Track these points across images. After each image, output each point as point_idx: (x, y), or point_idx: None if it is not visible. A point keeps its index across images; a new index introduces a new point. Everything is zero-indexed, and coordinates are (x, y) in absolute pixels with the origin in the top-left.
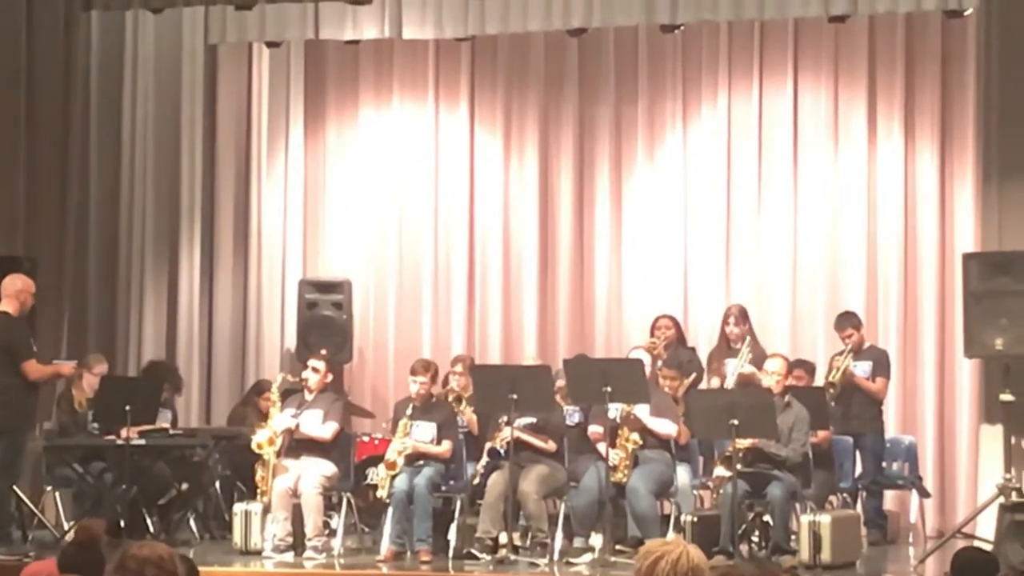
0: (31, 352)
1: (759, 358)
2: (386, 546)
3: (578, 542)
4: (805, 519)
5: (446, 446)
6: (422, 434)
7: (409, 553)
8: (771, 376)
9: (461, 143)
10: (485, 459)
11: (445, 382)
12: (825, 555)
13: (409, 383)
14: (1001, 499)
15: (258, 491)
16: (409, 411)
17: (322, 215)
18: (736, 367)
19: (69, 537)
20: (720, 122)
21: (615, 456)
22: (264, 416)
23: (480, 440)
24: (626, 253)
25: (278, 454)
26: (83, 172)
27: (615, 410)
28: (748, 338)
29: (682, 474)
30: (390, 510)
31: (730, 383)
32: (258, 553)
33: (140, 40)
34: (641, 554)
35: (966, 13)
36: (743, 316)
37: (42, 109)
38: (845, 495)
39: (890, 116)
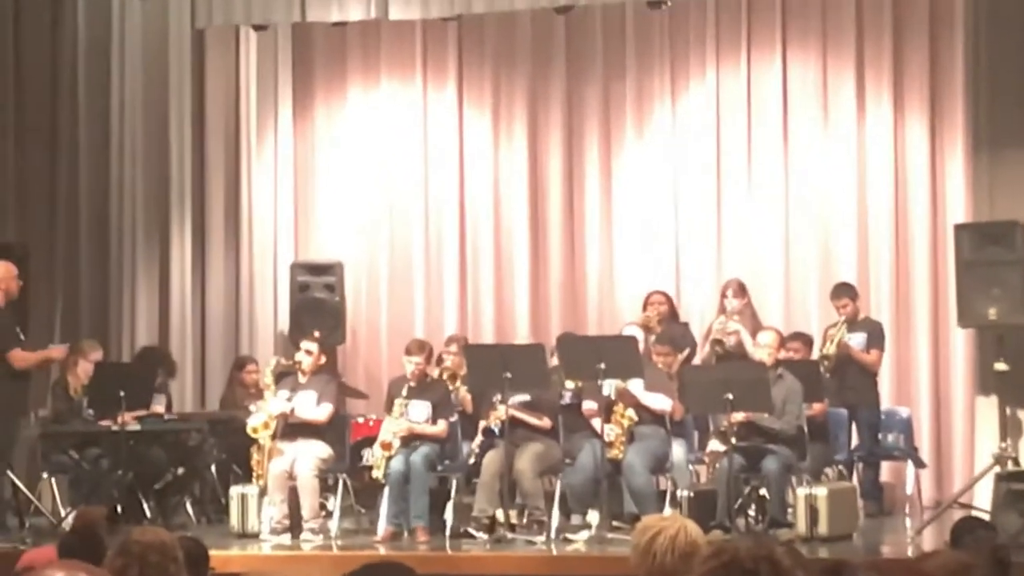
0: (15, 341)
1: (755, 332)
2: (383, 526)
3: (575, 519)
4: (801, 492)
5: (441, 426)
6: (417, 414)
7: (406, 533)
8: (763, 349)
9: (450, 123)
10: (480, 438)
11: (439, 361)
12: (822, 528)
13: (404, 363)
14: (997, 468)
15: (254, 474)
16: (404, 391)
17: (313, 197)
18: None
19: (66, 524)
20: (709, 97)
21: (610, 432)
22: (250, 389)
23: (474, 419)
24: (617, 230)
25: (273, 437)
26: (72, 158)
27: (609, 386)
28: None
29: (677, 449)
30: (386, 490)
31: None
32: (255, 536)
33: (127, 24)
34: (638, 530)
35: None
36: (741, 289)
37: (30, 95)
38: (841, 467)
39: (879, 87)
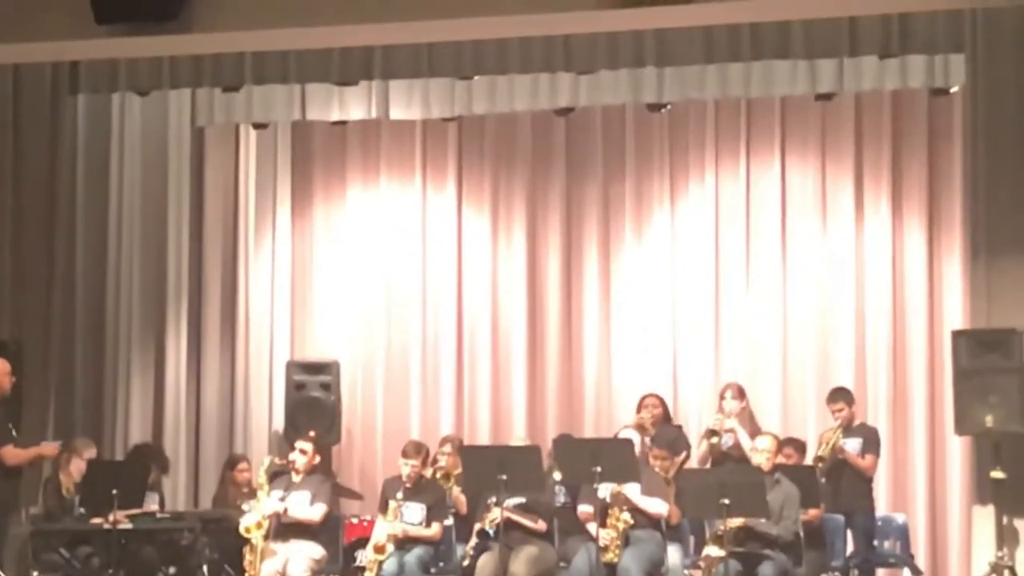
0: (8, 437)
1: (754, 435)
2: None
3: None
4: None
5: (435, 529)
6: (412, 516)
7: None
8: (761, 454)
9: (449, 223)
10: (474, 540)
11: (433, 461)
12: None
13: (400, 465)
14: None
15: (246, 575)
16: (400, 493)
17: (310, 296)
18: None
19: None
20: (708, 200)
21: (606, 536)
22: (243, 487)
23: (469, 520)
24: (615, 332)
25: (266, 537)
26: (70, 253)
27: (605, 490)
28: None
29: (673, 554)
30: None
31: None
32: None
33: (127, 122)
34: None
35: (952, 91)
36: (740, 393)
37: (29, 191)
38: (837, 574)
39: (878, 193)
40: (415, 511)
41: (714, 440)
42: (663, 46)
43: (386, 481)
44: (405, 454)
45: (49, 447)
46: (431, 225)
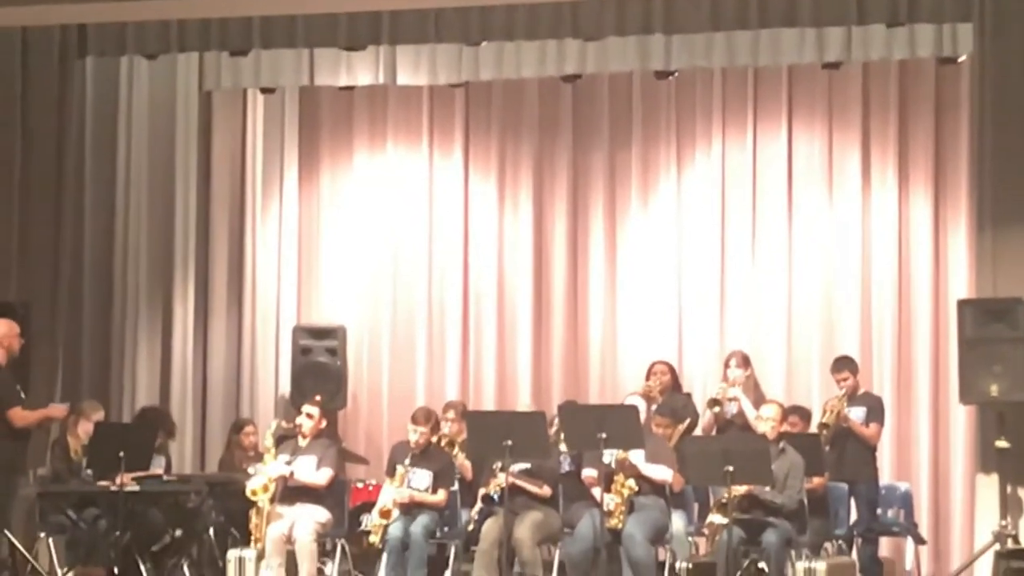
0: (16, 399)
1: (758, 404)
2: None
3: None
4: (801, 566)
5: (442, 495)
6: (419, 482)
7: None
8: (766, 422)
9: (455, 189)
10: (479, 505)
11: (438, 428)
12: None
13: (408, 431)
14: (997, 546)
15: (252, 538)
16: (407, 458)
17: (316, 261)
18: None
19: None
20: (714, 168)
21: (610, 502)
22: (248, 451)
23: (474, 486)
24: (620, 299)
25: (272, 500)
26: (77, 217)
27: (610, 456)
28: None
29: (677, 521)
30: (384, 556)
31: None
32: None
33: (135, 86)
34: None
35: (960, 60)
36: (745, 361)
37: (36, 155)
38: (840, 542)
39: (884, 162)
40: (422, 477)
41: (716, 409)
42: (671, 13)
43: (394, 447)
44: (414, 420)
45: (58, 409)
46: (438, 191)
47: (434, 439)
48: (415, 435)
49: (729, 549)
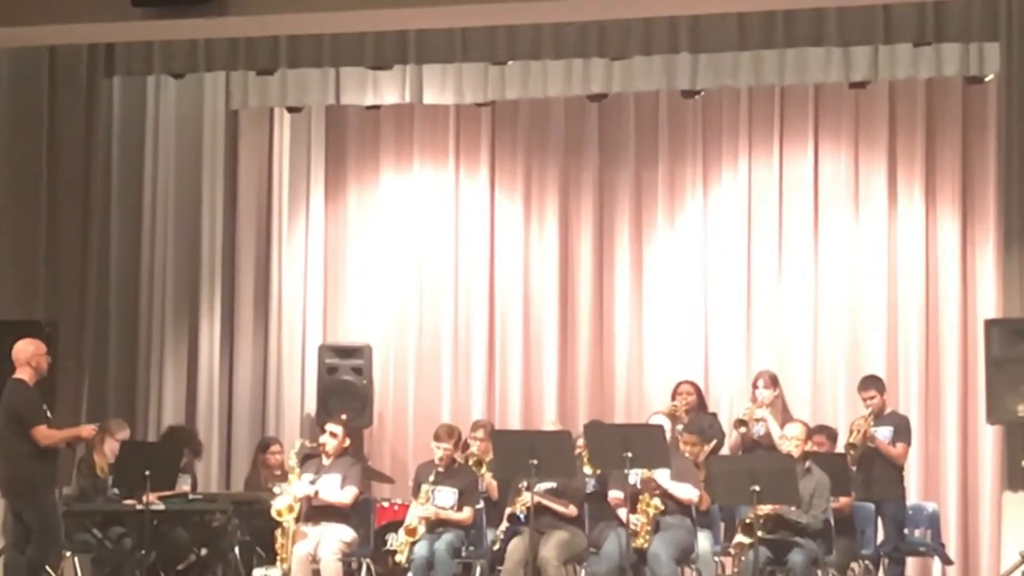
0: (41, 418)
1: (785, 424)
2: None
3: None
4: None
5: (467, 512)
6: (444, 500)
7: None
8: (791, 441)
9: (481, 208)
10: (505, 524)
11: (465, 447)
12: None
13: (432, 448)
14: None
15: (277, 557)
16: (432, 476)
17: (342, 280)
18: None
19: None
20: (740, 187)
21: (636, 521)
22: (274, 470)
23: (500, 505)
24: (646, 318)
25: (297, 519)
26: (104, 237)
27: (635, 475)
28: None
29: (703, 540)
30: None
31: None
32: None
33: (162, 105)
34: None
35: (987, 79)
36: (773, 381)
37: (63, 174)
38: (867, 562)
39: (911, 182)
40: (447, 495)
41: (743, 430)
42: (697, 32)
43: (419, 466)
44: (437, 437)
45: (87, 429)
46: (464, 210)
47: (460, 457)
48: (439, 452)
49: (755, 569)
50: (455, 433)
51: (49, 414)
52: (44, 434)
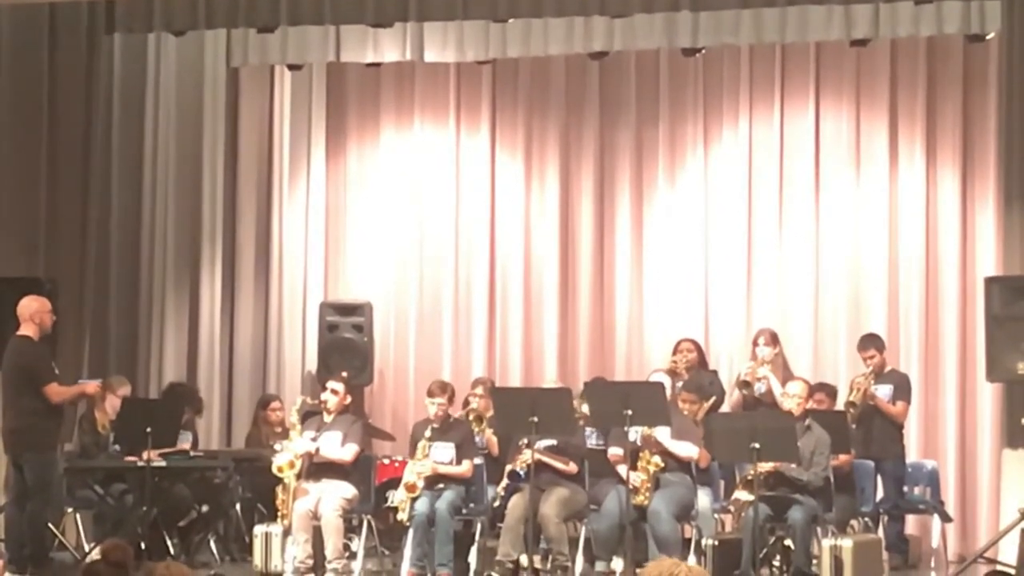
0: (52, 375)
1: (786, 382)
2: (406, 569)
3: (599, 566)
4: (826, 543)
5: (465, 466)
6: (441, 455)
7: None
8: (791, 399)
9: (482, 166)
10: (505, 481)
11: (465, 403)
12: None
13: (427, 404)
14: (1023, 523)
15: (278, 513)
16: (427, 432)
17: (343, 237)
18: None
19: (91, 558)
20: (741, 145)
21: (636, 479)
22: (275, 427)
23: (500, 462)
24: (647, 276)
25: (298, 476)
26: (104, 194)
27: (635, 433)
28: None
29: (703, 497)
30: (410, 533)
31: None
32: (278, 575)
33: (162, 63)
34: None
35: (988, 37)
36: (773, 339)
37: (64, 131)
38: (866, 519)
39: (911, 140)
40: (444, 450)
41: (745, 391)
42: None
43: (415, 425)
44: (431, 393)
45: (91, 385)
46: (464, 168)
47: (457, 413)
48: (433, 407)
49: (755, 526)
50: (448, 388)
51: (56, 371)
52: (56, 391)
